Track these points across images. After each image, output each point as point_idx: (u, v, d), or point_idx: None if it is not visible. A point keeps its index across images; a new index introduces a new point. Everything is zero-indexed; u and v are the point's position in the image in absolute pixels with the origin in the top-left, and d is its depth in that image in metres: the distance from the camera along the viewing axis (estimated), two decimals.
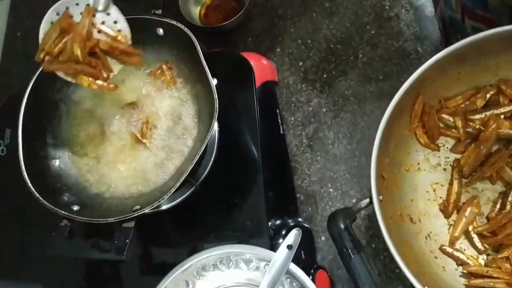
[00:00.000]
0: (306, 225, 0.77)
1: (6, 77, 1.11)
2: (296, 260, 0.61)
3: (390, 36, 0.85)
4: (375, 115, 0.82)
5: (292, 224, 0.73)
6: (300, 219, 0.78)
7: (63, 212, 0.63)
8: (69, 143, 0.75)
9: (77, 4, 0.61)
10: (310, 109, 0.86)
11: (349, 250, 0.53)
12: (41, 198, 0.64)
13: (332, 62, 0.88)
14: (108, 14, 0.61)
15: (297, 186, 0.82)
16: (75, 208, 0.65)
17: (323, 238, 0.78)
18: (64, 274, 0.75)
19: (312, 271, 0.69)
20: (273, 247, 0.66)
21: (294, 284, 0.62)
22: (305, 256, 0.69)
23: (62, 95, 0.75)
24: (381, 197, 0.55)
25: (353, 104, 0.84)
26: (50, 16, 0.61)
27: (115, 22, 0.62)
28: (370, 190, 0.78)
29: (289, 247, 0.60)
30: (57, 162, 0.72)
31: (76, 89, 0.76)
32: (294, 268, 0.61)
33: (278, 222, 0.71)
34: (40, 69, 0.70)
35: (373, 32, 0.87)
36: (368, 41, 0.87)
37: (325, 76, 0.87)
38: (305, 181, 0.82)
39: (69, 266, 0.75)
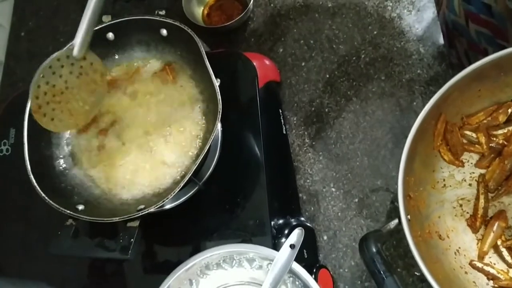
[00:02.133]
0: (308, 224, 0.77)
1: (10, 77, 1.12)
2: (299, 259, 0.61)
3: (392, 36, 0.86)
4: (377, 115, 0.82)
5: (294, 223, 0.73)
6: (302, 219, 0.78)
7: (68, 211, 0.63)
8: (73, 142, 0.75)
9: (58, 60, 0.65)
10: (313, 109, 0.87)
11: (382, 272, 0.53)
12: (46, 198, 0.64)
13: (334, 62, 0.88)
14: (85, 58, 0.66)
15: (300, 185, 0.83)
16: (80, 207, 0.66)
17: (325, 238, 0.78)
18: (69, 273, 0.76)
19: (314, 270, 0.69)
20: (276, 246, 0.66)
21: (297, 283, 0.62)
22: (308, 255, 0.70)
23: None
24: (409, 216, 0.55)
25: (355, 104, 0.84)
26: (37, 79, 0.64)
27: (92, 64, 0.67)
28: (372, 190, 0.79)
29: (292, 246, 0.61)
30: (61, 162, 0.73)
31: None
32: (297, 267, 0.61)
33: (280, 221, 0.71)
34: None
35: (375, 32, 0.87)
36: (370, 41, 0.87)
37: (327, 76, 0.87)
38: (308, 181, 0.83)
39: (74, 265, 0.75)
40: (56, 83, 0.65)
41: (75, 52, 0.65)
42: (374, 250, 0.54)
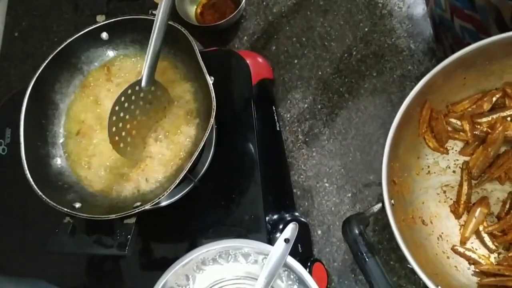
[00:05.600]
0: (302, 219, 0.78)
1: (5, 77, 1.12)
2: (293, 253, 0.62)
3: (383, 33, 0.87)
4: (369, 111, 0.83)
5: (289, 218, 0.74)
6: (296, 214, 0.79)
7: (65, 209, 0.64)
8: (69, 142, 0.76)
9: (129, 91, 0.67)
10: (306, 105, 0.88)
11: (364, 254, 0.54)
12: (43, 196, 0.64)
13: (326, 59, 0.89)
14: (152, 88, 0.69)
15: (294, 181, 0.84)
16: (77, 205, 0.66)
17: (319, 232, 0.79)
18: (67, 270, 0.76)
19: (309, 264, 0.70)
20: (271, 241, 0.67)
21: (292, 276, 0.63)
22: (302, 249, 0.71)
23: (62, 95, 0.76)
24: (393, 201, 0.56)
25: (348, 100, 0.85)
26: (112, 111, 0.67)
27: (158, 92, 0.71)
28: (365, 185, 0.80)
29: (286, 240, 0.62)
30: (58, 161, 0.73)
31: (76, 89, 0.77)
32: (292, 261, 0.62)
33: (275, 216, 0.72)
34: (41, 69, 0.71)
35: (366, 29, 0.88)
36: (361, 38, 0.88)
37: (319, 73, 0.88)
38: (301, 177, 0.84)
39: (72, 262, 0.76)
40: (128, 114, 0.68)
41: (143, 83, 0.67)
42: (356, 231, 0.55)
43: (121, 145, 0.67)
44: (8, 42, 1.16)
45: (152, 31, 0.64)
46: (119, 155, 0.68)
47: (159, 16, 0.64)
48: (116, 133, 0.66)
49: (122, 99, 0.66)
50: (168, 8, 0.64)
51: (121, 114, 0.67)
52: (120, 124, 0.67)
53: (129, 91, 0.67)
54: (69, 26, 1.11)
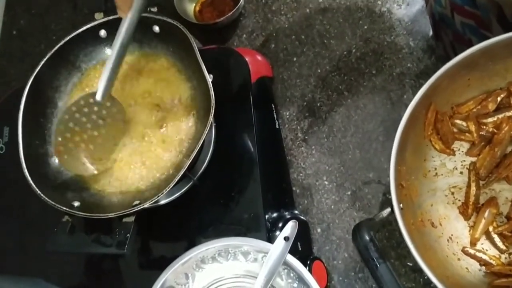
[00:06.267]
0: (302, 217, 0.78)
1: (3, 76, 1.12)
2: (293, 251, 0.62)
3: (382, 31, 0.87)
4: (368, 108, 0.83)
5: (288, 216, 0.74)
6: (296, 212, 0.79)
7: (64, 208, 0.64)
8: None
9: (82, 102, 0.66)
10: (305, 103, 0.87)
11: (375, 259, 0.54)
12: (42, 195, 0.64)
13: (325, 57, 0.89)
14: (108, 104, 0.67)
15: (293, 179, 0.83)
16: (76, 204, 0.66)
17: (319, 230, 0.79)
18: (66, 269, 0.76)
19: (308, 262, 0.70)
20: (270, 239, 0.67)
21: (291, 274, 0.63)
22: (302, 248, 0.70)
23: (60, 93, 0.76)
24: (401, 205, 0.55)
25: (347, 98, 0.85)
26: (61, 119, 0.67)
27: (114, 110, 0.68)
28: (364, 183, 0.80)
29: (286, 238, 0.62)
30: (56, 160, 0.73)
31: (74, 87, 0.77)
32: (291, 259, 0.62)
33: (274, 214, 0.72)
34: (39, 67, 0.71)
35: (365, 27, 0.88)
36: (361, 36, 0.88)
37: (319, 71, 0.88)
38: (301, 174, 0.83)
39: (71, 261, 0.76)
40: (78, 126, 0.66)
41: (98, 96, 0.65)
42: (367, 238, 0.55)
43: (65, 156, 0.66)
44: (7, 40, 1.15)
45: (113, 45, 0.62)
46: (62, 165, 0.67)
47: (122, 32, 0.61)
48: (62, 143, 0.65)
49: (74, 109, 0.65)
50: (133, 24, 0.61)
51: (70, 124, 0.65)
52: (68, 135, 0.66)
53: (82, 102, 0.65)
54: (67, 24, 1.11)
